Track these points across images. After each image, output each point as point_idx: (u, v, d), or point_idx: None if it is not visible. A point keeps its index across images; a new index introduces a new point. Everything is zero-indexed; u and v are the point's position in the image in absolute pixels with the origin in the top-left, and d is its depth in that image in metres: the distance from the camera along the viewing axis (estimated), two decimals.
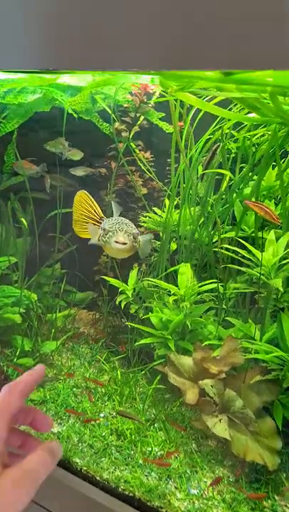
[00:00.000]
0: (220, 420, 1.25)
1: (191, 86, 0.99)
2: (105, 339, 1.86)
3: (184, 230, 1.67)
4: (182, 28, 0.65)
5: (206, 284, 1.49)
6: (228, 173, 1.53)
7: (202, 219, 1.62)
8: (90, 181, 1.85)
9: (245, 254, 1.35)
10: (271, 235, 1.35)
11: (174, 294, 1.50)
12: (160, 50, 0.69)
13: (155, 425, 1.42)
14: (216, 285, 1.49)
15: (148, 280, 1.63)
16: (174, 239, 1.73)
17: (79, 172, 1.77)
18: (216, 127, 1.52)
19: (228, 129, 1.50)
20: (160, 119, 1.80)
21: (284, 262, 1.31)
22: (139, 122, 1.82)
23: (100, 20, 0.72)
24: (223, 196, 1.60)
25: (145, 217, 1.76)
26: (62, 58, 0.82)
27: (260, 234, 1.43)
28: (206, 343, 1.42)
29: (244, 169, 1.56)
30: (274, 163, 1.46)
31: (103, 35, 0.73)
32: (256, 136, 1.53)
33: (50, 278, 1.89)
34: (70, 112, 1.69)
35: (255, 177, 1.50)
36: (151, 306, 1.62)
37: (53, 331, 1.82)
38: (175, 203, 1.66)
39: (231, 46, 0.63)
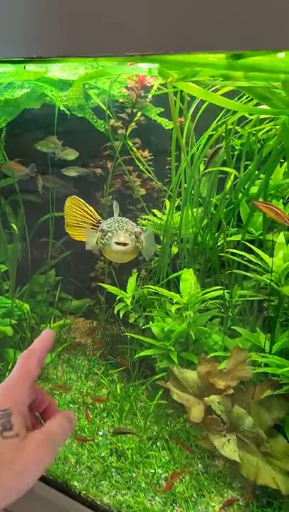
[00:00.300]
0: (228, 440, 1.17)
1: (193, 75, 0.89)
2: (103, 350, 1.80)
3: (186, 233, 1.60)
4: (184, 3, 0.57)
5: (211, 291, 1.40)
6: (233, 171, 1.44)
7: (205, 221, 1.54)
8: (84, 182, 1.78)
9: (253, 259, 1.26)
10: (281, 238, 1.29)
11: (176, 303, 1.42)
12: (159, 29, 0.61)
13: (157, 444, 1.34)
14: (221, 292, 1.40)
15: (148, 287, 1.54)
16: (176, 242, 1.66)
17: (71, 172, 1.69)
18: (220, 122, 1.44)
19: (232, 124, 1.41)
20: (159, 114, 1.74)
21: None
22: (136, 118, 1.75)
23: None
24: (228, 196, 1.51)
25: (144, 219, 1.68)
26: (50, 44, 0.72)
27: (268, 236, 1.35)
28: (212, 354, 1.35)
29: (249, 167, 1.48)
30: (282, 160, 1.38)
31: (93, 13, 0.64)
32: (262, 132, 1.44)
33: (43, 286, 1.82)
34: (62, 108, 1.59)
35: (261, 175, 1.41)
36: (152, 315, 1.54)
37: None
38: (176, 204, 1.59)
39: (240, 23, 0.55)
